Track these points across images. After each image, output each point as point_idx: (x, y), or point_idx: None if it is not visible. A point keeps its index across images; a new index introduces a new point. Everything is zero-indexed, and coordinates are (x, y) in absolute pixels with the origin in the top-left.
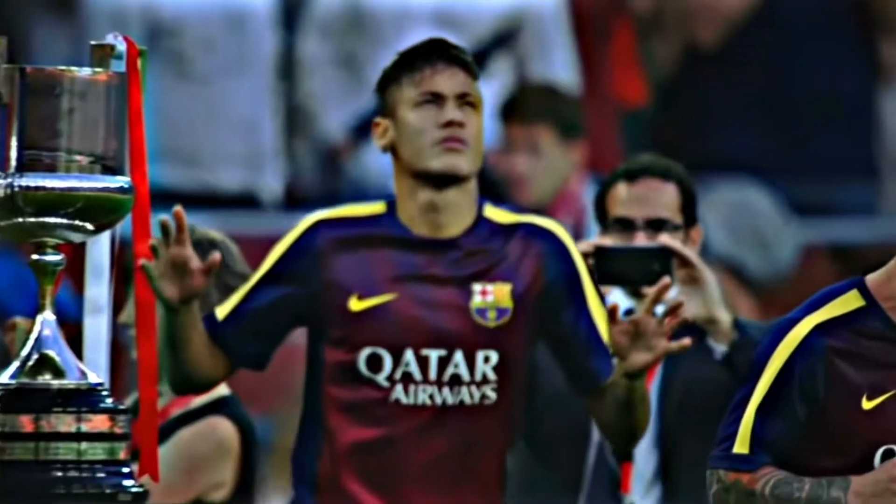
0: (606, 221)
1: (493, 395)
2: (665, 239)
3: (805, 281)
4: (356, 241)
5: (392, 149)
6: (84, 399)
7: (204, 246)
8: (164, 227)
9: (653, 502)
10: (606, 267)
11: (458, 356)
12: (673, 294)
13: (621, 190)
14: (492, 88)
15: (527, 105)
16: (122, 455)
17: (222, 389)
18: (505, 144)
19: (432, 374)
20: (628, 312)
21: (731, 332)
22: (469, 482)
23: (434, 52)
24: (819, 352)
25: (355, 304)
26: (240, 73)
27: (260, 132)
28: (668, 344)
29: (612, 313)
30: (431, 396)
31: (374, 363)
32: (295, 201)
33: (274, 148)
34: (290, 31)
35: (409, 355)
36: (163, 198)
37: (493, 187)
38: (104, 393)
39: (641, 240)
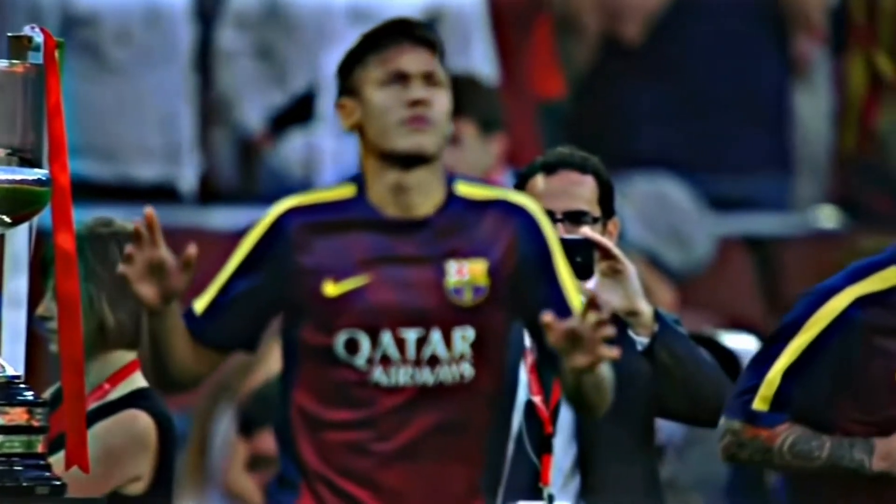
0: None
1: (470, 372)
2: (587, 231)
3: (721, 273)
4: (328, 225)
5: (358, 129)
6: (1, 392)
7: (121, 239)
8: (137, 233)
9: (571, 495)
10: None
11: (436, 336)
12: (591, 285)
13: (539, 182)
14: None
15: None
16: (39, 448)
17: (139, 382)
18: None
19: (410, 355)
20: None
21: (653, 323)
22: (450, 461)
23: (399, 32)
24: (857, 326)
25: (330, 289)
26: (156, 65)
27: (177, 124)
28: (602, 350)
29: (591, 302)
30: (412, 376)
31: (352, 346)
32: (212, 193)
33: (191, 140)
34: (207, 23)
35: (386, 337)
36: (80, 190)
37: None
38: (22, 386)
39: (560, 232)
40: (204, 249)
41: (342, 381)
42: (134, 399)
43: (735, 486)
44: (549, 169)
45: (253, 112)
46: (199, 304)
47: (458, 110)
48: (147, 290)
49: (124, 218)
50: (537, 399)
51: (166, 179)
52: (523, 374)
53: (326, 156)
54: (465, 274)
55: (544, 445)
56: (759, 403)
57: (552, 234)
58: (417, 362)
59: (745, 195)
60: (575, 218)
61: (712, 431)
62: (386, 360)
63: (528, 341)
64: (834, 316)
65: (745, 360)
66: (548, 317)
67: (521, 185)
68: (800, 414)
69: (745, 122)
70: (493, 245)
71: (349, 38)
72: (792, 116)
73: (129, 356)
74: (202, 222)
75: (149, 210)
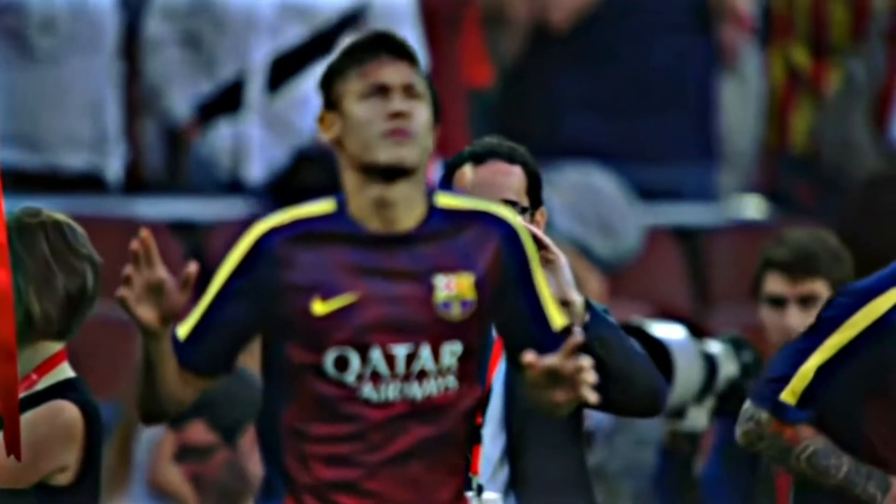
0: None
1: (454, 384)
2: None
3: (650, 263)
4: (312, 242)
5: (338, 143)
6: None
7: (48, 229)
8: (134, 255)
9: (500, 484)
10: None
11: (426, 351)
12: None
13: (468, 173)
14: None
15: None
16: None
17: (67, 372)
18: None
19: (399, 370)
20: None
21: (584, 313)
22: (437, 470)
23: (379, 45)
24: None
25: (319, 308)
26: (82, 54)
27: (103, 113)
28: (585, 392)
29: (574, 347)
30: (400, 391)
31: (342, 363)
32: (139, 183)
33: (118, 129)
34: (134, 12)
35: (376, 354)
36: (6, 179)
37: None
38: None
39: None
40: (131, 240)
41: (331, 397)
42: (61, 389)
43: (662, 473)
44: (478, 159)
45: (180, 101)
46: (183, 330)
47: None
48: (146, 313)
49: (51, 208)
50: None
51: (93, 169)
52: None
53: (254, 145)
54: (453, 288)
55: (473, 436)
56: (788, 395)
57: (532, 246)
58: (406, 377)
59: (673, 185)
60: None
61: (640, 419)
62: (375, 377)
63: None
64: (874, 318)
65: (675, 350)
66: (529, 357)
67: (449, 175)
68: (826, 412)
69: (672, 113)
70: (478, 258)
71: (277, 28)
72: (718, 107)
73: (57, 346)
74: (129, 212)
75: (144, 231)
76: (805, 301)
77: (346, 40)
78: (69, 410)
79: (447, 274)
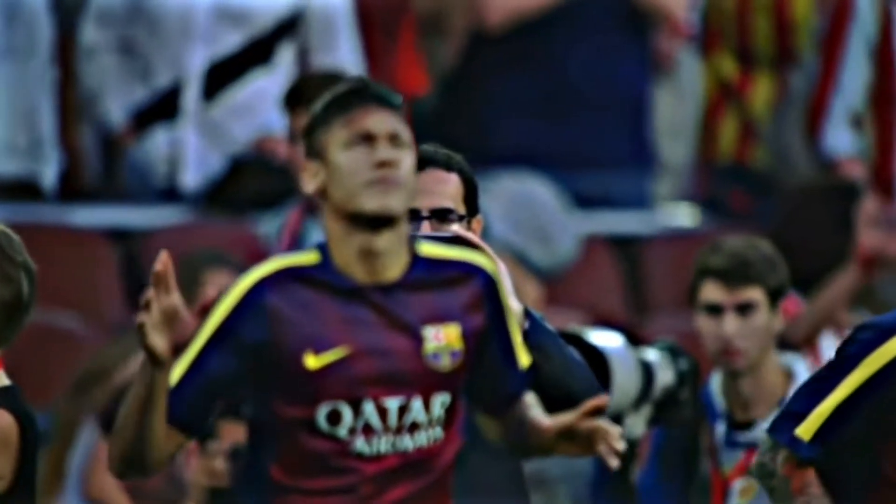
0: None
1: (441, 434)
2: (457, 229)
3: (586, 271)
4: (300, 295)
5: (322, 192)
6: None
7: None
8: (157, 278)
9: None
10: None
11: (417, 403)
12: None
13: None
14: (277, 78)
15: (313, 94)
16: None
17: (3, 380)
18: (293, 134)
19: (392, 423)
20: None
21: (523, 321)
22: None
23: (363, 94)
24: None
25: (312, 362)
26: (17, 60)
27: (38, 120)
28: (610, 458)
29: (596, 408)
30: (392, 444)
31: (334, 417)
32: (75, 190)
33: (53, 136)
34: (69, 18)
35: (368, 407)
36: None
37: (283, 177)
38: None
39: (426, 229)
40: (67, 248)
41: (323, 451)
42: None
43: (600, 479)
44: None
45: (116, 108)
46: (170, 378)
47: None
48: (159, 341)
49: None
50: None
51: (28, 175)
52: None
53: (190, 153)
54: (442, 339)
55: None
56: (804, 431)
57: (506, 293)
58: (398, 430)
59: (608, 193)
60: (441, 215)
61: None
62: (368, 430)
63: None
64: (891, 357)
65: (612, 357)
66: (546, 423)
67: None
68: (844, 449)
69: (606, 120)
70: (463, 308)
71: (213, 34)
72: (652, 114)
73: None
74: (65, 219)
75: (164, 254)
76: (742, 309)
77: (329, 92)
78: (4, 419)
79: (435, 325)
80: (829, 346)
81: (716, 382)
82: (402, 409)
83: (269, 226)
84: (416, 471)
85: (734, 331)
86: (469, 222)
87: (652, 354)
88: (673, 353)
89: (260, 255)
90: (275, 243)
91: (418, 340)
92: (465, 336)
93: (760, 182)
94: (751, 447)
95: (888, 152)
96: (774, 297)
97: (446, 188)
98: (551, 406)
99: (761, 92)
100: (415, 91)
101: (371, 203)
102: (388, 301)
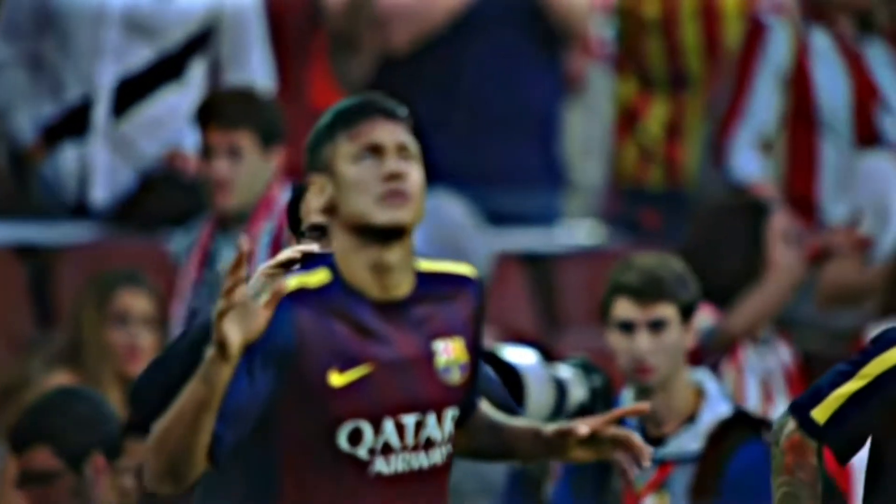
0: (300, 228)
1: (448, 450)
2: None
3: (498, 288)
4: (321, 311)
5: (330, 207)
6: None
7: None
8: (238, 262)
9: None
10: None
11: (432, 419)
12: None
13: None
14: (188, 94)
15: (226, 109)
16: None
17: None
18: (205, 150)
19: (409, 441)
20: None
21: None
22: None
23: (370, 106)
24: None
25: (336, 379)
26: None
27: None
28: (618, 454)
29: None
30: (408, 462)
31: (355, 437)
32: None
33: None
34: None
35: (388, 425)
36: None
37: (193, 194)
38: None
39: None
40: None
41: (340, 473)
42: None
43: (513, 494)
44: None
45: (25, 124)
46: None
47: (236, 122)
48: (234, 333)
49: None
50: None
51: None
52: None
53: (99, 169)
54: (451, 353)
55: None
56: (819, 413)
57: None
58: (415, 447)
59: (520, 211)
60: None
61: None
62: (387, 449)
63: None
64: (888, 367)
65: (526, 374)
66: (583, 429)
67: (297, 198)
68: (851, 433)
69: (518, 138)
70: (464, 321)
71: (123, 50)
72: (562, 132)
73: None
74: None
75: (245, 239)
76: (653, 325)
77: (333, 106)
78: None
79: (443, 339)
80: (750, 357)
81: (627, 398)
82: (419, 426)
83: (179, 243)
84: (429, 489)
85: (646, 347)
86: None
87: (565, 371)
88: (586, 369)
89: (171, 272)
90: (185, 260)
91: (430, 355)
92: (469, 349)
93: (671, 200)
94: (663, 463)
95: (807, 176)
96: (686, 313)
97: None
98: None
99: (657, 114)
100: (326, 107)
101: (382, 216)
102: (401, 317)
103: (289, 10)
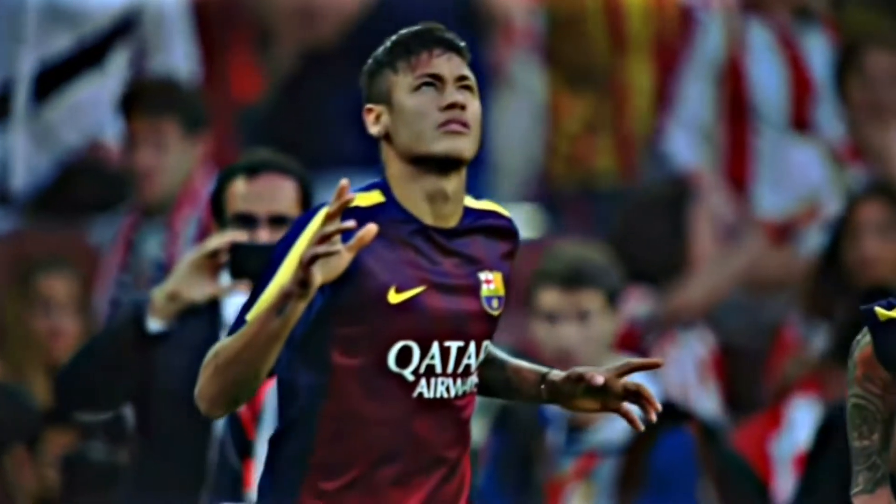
0: (224, 217)
1: (476, 379)
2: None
3: None
4: (379, 230)
5: (386, 136)
6: None
7: None
8: (341, 203)
9: None
10: (243, 262)
11: (472, 346)
12: None
13: (240, 185)
14: (110, 82)
15: (149, 99)
16: None
17: None
18: (128, 139)
19: (450, 366)
20: None
21: None
22: (462, 474)
23: (429, 37)
24: None
25: (394, 297)
26: None
27: None
28: (625, 407)
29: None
30: (447, 388)
31: (404, 357)
32: None
33: None
34: None
35: (435, 347)
36: None
37: (116, 183)
38: None
39: (265, 235)
40: None
41: (386, 395)
42: None
43: None
44: (251, 171)
45: None
46: (253, 314)
47: (160, 111)
48: (319, 276)
49: None
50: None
51: None
52: None
53: (19, 157)
54: (492, 284)
55: (246, 450)
56: (882, 312)
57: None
58: (454, 374)
59: None
60: (278, 221)
61: None
62: (430, 372)
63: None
64: None
65: None
66: (598, 378)
67: (221, 187)
68: None
69: None
70: (502, 257)
71: (44, 36)
72: (487, 120)
73: None
74: None
75: (345, 181)
76: (579, 315)
77: (393, 36)
78: None
79: (485, 271)
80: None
81: None
82: (461, 352)
83: (102, 232)
84: (458, 414)
85: (572, 336)
86: None
87: None
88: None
89: (94, 262)
90: (108, 250)
91: (476, 284)
92: (506, 282)
93: (598, 190)
94: (588, 452)
95: (741, 165)
96: (611, 301)
97: (284, 193)
98: None
99: (577, 107)
100: (248, 96)
101: (440, 145)
102: (450, 245)
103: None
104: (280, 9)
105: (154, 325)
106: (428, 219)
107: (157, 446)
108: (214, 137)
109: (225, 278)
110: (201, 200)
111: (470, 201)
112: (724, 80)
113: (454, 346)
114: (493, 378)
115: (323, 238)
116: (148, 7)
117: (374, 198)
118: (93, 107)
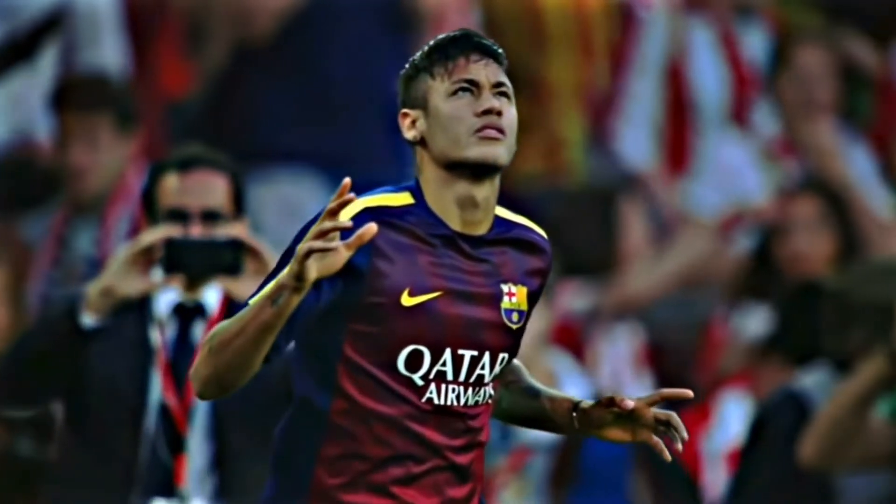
0: (155, 212)
1: (491, 392)
2: (238, 231)
3: None
4: (400, 232)
5: (420, 140)
6: None
7: None
8: (340, 205)
9: (207, 494)
10: (178, 257)
11: (486, 357)
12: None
13: (172, 181)
14: (39, 77)
15: (81, 95)
16: None
17: None
18: (60, 135)
19: (462, 375)
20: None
21: None
22: (474, 481)
23: (467, 43)
24: None
25: (407, 300)
26: None
27: None
28: (654, 438)
29: (611, 402)
30: (458, 396)
31: (415, 361)
32: None
33: None
34: None
35: (447, 354)
36: None
37: (46, 178)
38: None
39: (197, 230)
40: None
41: (395, 397)
42: None
43: None
44: (183, 166)
45: None
46: (253, 300)
47: (92, 107)
48: (314, 270)
49: None
50: (171, 400)
51: None
52: (156, 375)
53: None
54: (514, 298)
55: (178, 445)
56: None
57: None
58: (466, 383)
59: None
60: (211, 216)
61: None
62: (440, 378)
63: (156, 340)
64: None
65: None
66: (629, 402)
67: (152, 182)
68: None
69: (370, 121)
70: (529, 272)
71: None
72: None
73: None
74: None
75: (347, 180)
76: None
77: (430, 42)
78: None
79: (508, 283)
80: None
81: None
82: (474, 362)
83: (33, 228)
84: (468, 423)
85: None
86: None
87: None
88: None
89: (25, 257)
90: (40, 245)
91: (498, 296)
92: (530, 298)
93: (536, 187)
94: (521, 447)
95: (680, 162)
96: (544, 295)
97: (216, 188)
98: None
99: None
100: (179, 92)
101: (475, 151)
102: (476, 253)
103: None
104: (212, 4)
105: (88, 320)
106: (456, 224)
107: (88, 442)
108: (145, 133)
109: (157, 273)
110: (133, 196)
111: (503, 212)
112: (669, 79)
113: (468, 354)
114: (529, 408)
115: (320, 234)
116: (78, 1)
117: (404, 199)
118: (23, 102)
